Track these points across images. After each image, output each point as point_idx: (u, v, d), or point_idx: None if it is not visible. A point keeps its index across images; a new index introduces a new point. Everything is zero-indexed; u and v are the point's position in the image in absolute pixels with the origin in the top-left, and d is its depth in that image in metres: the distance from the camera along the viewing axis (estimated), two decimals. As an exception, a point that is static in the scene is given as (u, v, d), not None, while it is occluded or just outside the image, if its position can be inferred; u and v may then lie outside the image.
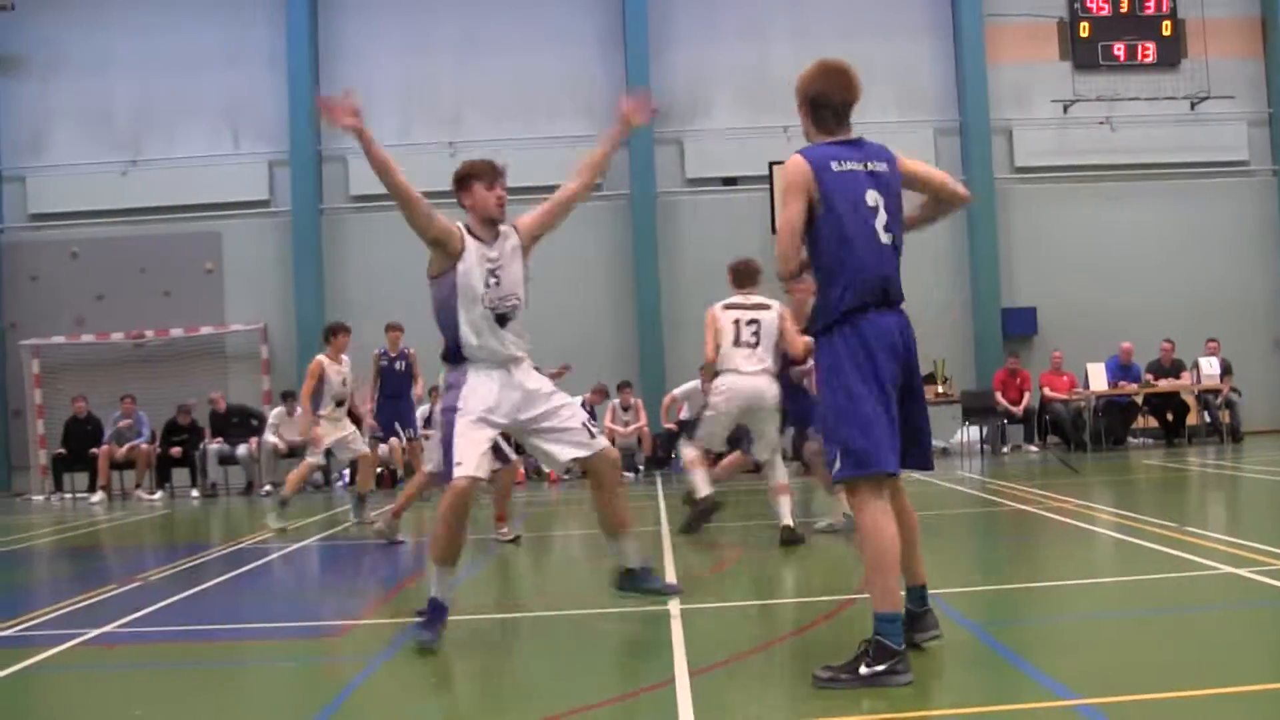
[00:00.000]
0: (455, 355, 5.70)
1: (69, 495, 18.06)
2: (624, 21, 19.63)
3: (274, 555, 9.60)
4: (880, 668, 4.38)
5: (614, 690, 4.76)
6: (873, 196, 4.64)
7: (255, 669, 5.67)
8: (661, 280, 19.22)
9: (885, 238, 4.64)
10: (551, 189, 22.00)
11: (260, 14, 19.82)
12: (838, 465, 4.56)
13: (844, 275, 4.58)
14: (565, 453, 5.77)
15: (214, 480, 18.06)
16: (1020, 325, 19.59)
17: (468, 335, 5.64)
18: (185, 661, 5.84)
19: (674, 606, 6.10)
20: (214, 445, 18.06)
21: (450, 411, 5.58)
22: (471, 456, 5.44)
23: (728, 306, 8.61)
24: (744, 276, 8.69)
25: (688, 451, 9.00)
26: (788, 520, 8.39)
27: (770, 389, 8.51)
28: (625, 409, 17.82)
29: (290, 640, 6.27)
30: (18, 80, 20.19)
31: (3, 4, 19.84)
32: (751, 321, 8.50)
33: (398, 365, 13.09)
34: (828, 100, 4.76)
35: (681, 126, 19.82)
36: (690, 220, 19.53)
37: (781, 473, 8.68)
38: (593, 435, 5.82)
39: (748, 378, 8.45)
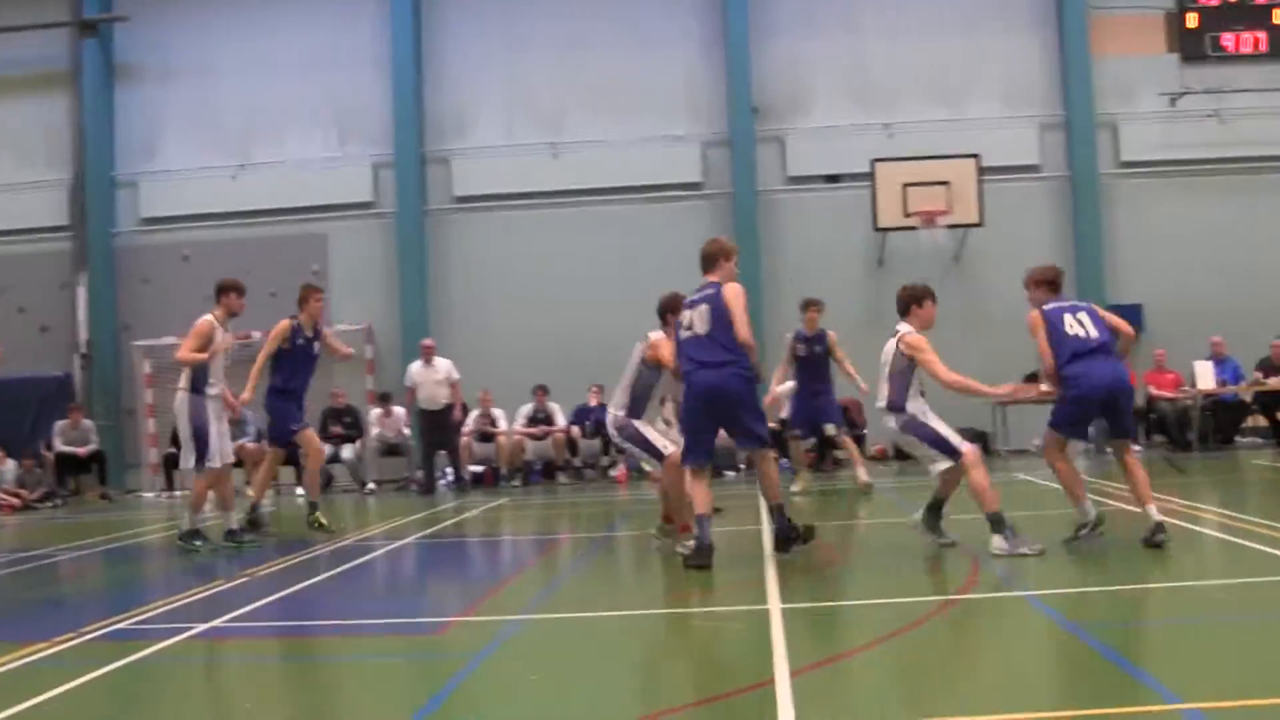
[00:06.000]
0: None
1: (178, 493, 18.49)
2: (724, 18, 19.82)
3: (378, 552, 10.01)
4: None
5: (714, 689, 4.89)
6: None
7: (359, 664, 5.86)
8: (764, 279, 19.14)
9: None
10: (652, 188, 21.87)
11: (365, 18, 20.63)
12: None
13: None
14: None
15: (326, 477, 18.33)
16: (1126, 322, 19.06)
17: None
18: (291, 656, 6.14)
19: (774, 605, 6.31)
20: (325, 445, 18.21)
21: None
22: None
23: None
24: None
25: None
26: None
27: None
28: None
29: (393, 636, 6.52)
30: (132, 88, 21.23)
31: (118, 15, 20.37)
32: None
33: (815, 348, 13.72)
34: None
35: (783, 124, 19.99)
36: (793, 218, 19.49)
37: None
38: None
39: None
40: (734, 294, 7.93)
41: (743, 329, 7.84)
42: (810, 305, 13.83)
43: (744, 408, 7.94)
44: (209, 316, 10.28)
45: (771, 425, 16.67)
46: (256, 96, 20.57)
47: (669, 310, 8.72)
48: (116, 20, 20.60)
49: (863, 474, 13.54)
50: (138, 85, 20.90)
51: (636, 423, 8.70)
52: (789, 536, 8.07)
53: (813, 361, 13.53)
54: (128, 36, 20.82)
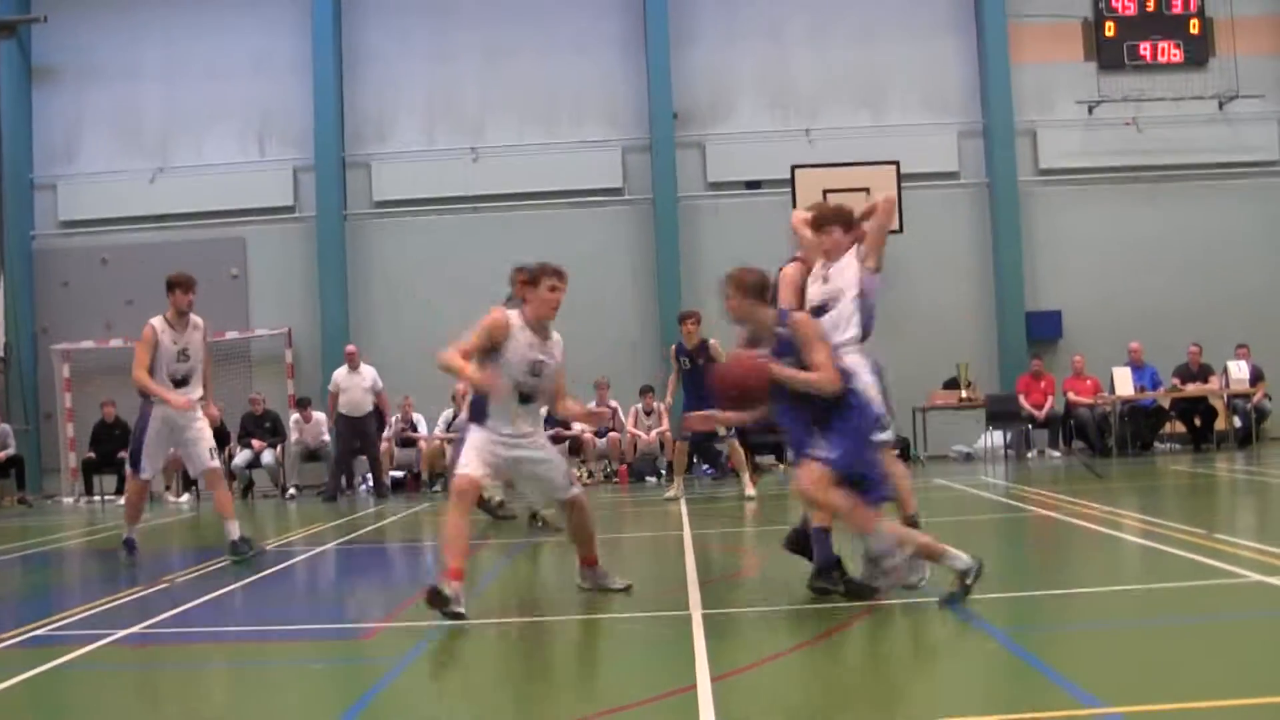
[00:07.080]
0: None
1: (98, 498, 18.35)
2: (645, 25, 19.86)
3: (299, 558, 9.94)
4: None
5: (635, 695, 4.82)
6: None
7: (281, 670, 5.81)
8: (683, 284, 19.25)
9: None
10: (573, 193, 21.85)
11: (286, 22, 20.53)
12: None
13: None
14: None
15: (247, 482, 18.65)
16: (1045, 329, 19.51)
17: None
18: (212, 662, 6.02)
19: (695, 611, 6.30)
20: (246, 451, 18.13)
21: None
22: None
23: None
24: None
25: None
26: None
27: None
28: (648, 413, 17.81)
29: (316, 642, 6.47)
30: (50, 90, 21.02)
31: (35, 16, 20.26)
32: None
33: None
34: None
35: (703, 130, 20.13)
36: (713, 224, 19.55)
37: None
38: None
39: None
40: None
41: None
42: (687, 318, 13.85)
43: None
44: (153, 321, 9.58)
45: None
46: (176, 99, 20.42)
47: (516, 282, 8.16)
48: (34, 22, 20.36)
49: (749, 487, 13.33)
50: (56, 87, 20.73)
51: (473, 428, 6.86)
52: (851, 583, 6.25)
53: (696, 373, 13.21)
54: (46, 38, 20.64)
